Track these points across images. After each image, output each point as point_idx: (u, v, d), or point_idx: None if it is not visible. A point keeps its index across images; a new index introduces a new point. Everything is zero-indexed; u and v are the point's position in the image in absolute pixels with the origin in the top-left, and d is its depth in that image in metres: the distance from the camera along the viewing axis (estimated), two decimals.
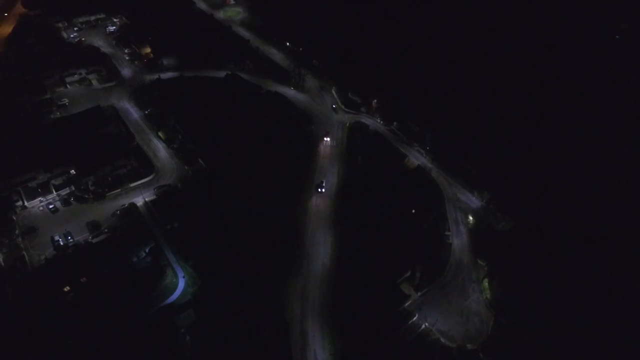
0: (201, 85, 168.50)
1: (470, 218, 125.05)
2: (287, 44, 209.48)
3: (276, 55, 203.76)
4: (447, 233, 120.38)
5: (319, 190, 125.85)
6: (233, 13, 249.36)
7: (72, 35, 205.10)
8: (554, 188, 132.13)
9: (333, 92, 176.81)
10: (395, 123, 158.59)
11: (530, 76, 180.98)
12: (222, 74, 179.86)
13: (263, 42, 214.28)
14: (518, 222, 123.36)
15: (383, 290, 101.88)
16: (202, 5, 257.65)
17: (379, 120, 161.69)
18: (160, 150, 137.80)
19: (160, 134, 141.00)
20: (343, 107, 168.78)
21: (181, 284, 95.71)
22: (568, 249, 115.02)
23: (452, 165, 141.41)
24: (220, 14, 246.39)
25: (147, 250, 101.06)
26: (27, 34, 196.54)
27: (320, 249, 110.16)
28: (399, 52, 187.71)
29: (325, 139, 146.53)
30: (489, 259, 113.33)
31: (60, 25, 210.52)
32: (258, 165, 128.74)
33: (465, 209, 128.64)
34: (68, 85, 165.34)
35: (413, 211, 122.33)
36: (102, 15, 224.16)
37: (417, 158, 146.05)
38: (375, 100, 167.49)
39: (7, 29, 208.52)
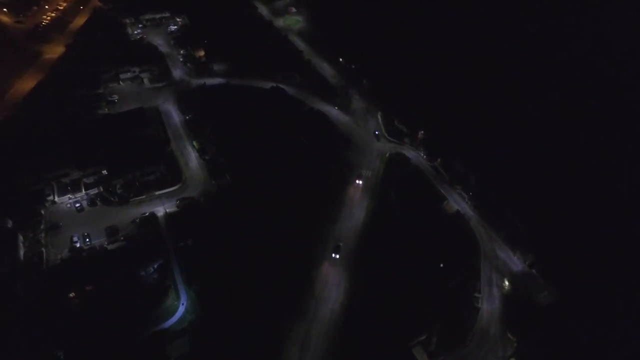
0: (245, 95, 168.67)
1: (506, 282, 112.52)
2: (340, 59, 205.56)
3: (327, 70, 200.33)
4: (477, 295, 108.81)
5: (334, 255, 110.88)
6: (292, 22, 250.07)
7: (135, 32, 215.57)
8: (617, 262, 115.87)
9: (379, 117, 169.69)
10: (439, 160, 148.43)
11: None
12: (268, 85, 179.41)
13: (316, 55, 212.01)
14: (563, 296, 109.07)
15: (392, 351, 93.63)
16: (264, 11, 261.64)
17: (422, 154, 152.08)
18: (192, 159, 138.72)
19: (194, 142, 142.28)
20: (386, 134, 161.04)
21: (181, 309, 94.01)
22: (622, 341, 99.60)
23: (495, 216, 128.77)
24: (280, 22, 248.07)
25: (155, 266, 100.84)
26: (96, 27, 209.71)
27: (332, 293, 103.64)
28: (455, 86, 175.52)
29: (357, 181, 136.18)
30: (521, 335, 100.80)
31: (127, 21, 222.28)
32: (285, 189, 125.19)
33: (503, 269, 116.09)
34: (121, 82, 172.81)
35: (441, 265, 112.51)
36: (167, 14, 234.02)
37: (457, 202, 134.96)
38: (422, 132, 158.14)
39: (81, 21, 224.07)
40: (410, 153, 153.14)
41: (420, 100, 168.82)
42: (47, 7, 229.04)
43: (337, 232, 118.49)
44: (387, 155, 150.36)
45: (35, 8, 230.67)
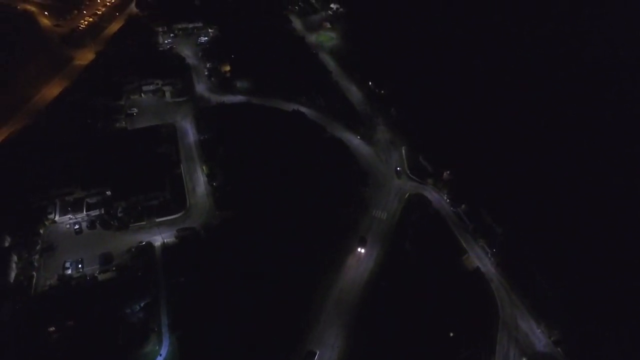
0: (264, 117, 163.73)
1: None
2: (370, 83, 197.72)
3: (354, 94, 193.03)
4: None
5: None
6: (325, 38, 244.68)
7: (166, 42, 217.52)
8: None
9: (403, 150, 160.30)
10: (463, 205, 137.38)
11: None
12: (290, 107, 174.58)
13: (345, 76, 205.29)
14: None
15: None
16: (298, 25, 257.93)
17: (445, 198, 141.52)
18: (200, 184, 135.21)
19: (203, 167, 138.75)
20: (408, 171, 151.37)
21: (159, 357, 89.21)
22: None
23: (521, 279, 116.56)
24: (313, 38, 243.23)
25: (142, 304, 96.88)
26: (128, 35, 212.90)
27: (325, 354, 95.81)
28: (488, 126, 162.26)
29: (358, 249, 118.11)
30: None
31: (160, 29, 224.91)
32: (291, 228, 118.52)
33: (523, 344, 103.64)
34: (143, 94, 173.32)
35: (451, 334, 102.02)
36: (200, 24, 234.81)
37: (479, 257, 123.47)
38: (448, 172, 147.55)
39: (116, 27, 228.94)
40: (432, 195, 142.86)
41: (449, 137, 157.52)
42: (85, 12, 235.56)
43: (339, 284, 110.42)
44: (407, 196, 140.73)
45: (76, 12, 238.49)
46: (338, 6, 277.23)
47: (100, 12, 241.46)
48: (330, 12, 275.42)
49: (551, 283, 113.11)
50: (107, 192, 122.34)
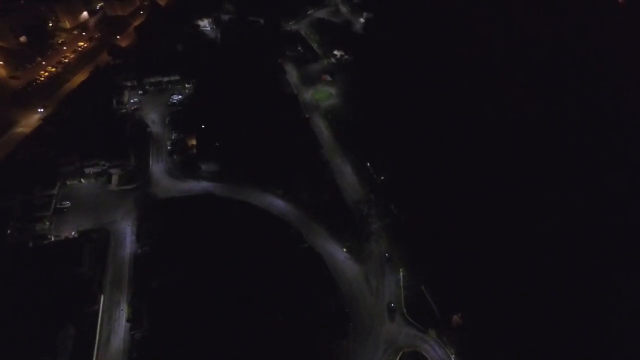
0: (227, 219, 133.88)
1: None
2: (368, 164, 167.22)
3: (348, 178, 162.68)
4: None
5: None
6: (323, 95, 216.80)
7: (132, 101, 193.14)
8: None
9: (400, 274, 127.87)
10: None
11: None
12: (264, 199, 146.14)
13: (339, 151, 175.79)
14: None
15: None
16: (293, 77, 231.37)
17: (453, 358, 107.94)
18: (119, 330, 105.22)
19: (125, 307, 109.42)
20: (405, 310, 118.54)
21: None
22: None
23: None
24: (309, 94, 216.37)
25: None
26: (87, 94, 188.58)
27: None
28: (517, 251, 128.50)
29: None
30: None
31: (128, 84, 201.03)
32: None
33: None
34: (83, 180, 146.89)
35: None
36: (177, 77, 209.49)
37: None
38: (459, 315, 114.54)
39: (79, 80, 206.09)
40: (434, 352, 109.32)
41: (467, 257, 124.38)
42: (44, 62, 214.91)
43: None
44: (400, 355, 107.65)
45: (39, 59, 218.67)
46: (342, 53, 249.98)
47: (67, 60, 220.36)
48: (333, 60, 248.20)
49: None
50: None
